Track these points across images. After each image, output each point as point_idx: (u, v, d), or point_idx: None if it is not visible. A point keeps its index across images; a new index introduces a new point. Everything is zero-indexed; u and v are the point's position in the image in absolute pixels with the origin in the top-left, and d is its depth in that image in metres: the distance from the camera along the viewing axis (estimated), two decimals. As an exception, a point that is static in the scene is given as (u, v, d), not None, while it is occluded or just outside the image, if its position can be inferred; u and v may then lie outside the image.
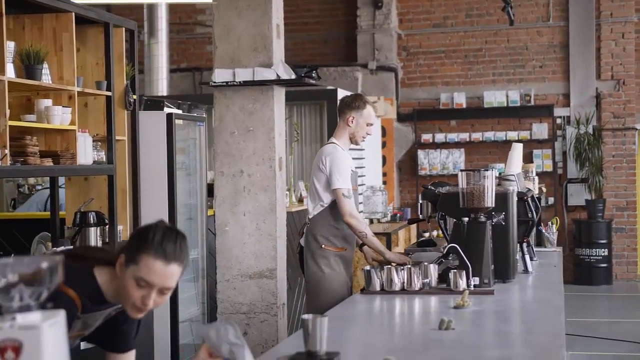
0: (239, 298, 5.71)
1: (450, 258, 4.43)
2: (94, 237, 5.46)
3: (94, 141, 5.54)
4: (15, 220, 6.73)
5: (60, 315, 1.82)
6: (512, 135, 12.50)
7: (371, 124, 5.34)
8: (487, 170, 4.42)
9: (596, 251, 12.17)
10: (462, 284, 4.17)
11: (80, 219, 5.46)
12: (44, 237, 5.81)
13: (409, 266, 4.29)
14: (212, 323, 2.59)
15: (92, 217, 5.44)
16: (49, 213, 5.86)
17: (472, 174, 4.41)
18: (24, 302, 1.78)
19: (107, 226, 5.62)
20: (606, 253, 12.19)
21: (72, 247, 5.07)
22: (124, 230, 5.90)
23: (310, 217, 5.33)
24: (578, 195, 12.51)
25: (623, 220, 12.54)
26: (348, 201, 5.08)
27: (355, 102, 5.32)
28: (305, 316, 2.73)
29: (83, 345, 4.87)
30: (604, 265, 12.21)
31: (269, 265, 6.03)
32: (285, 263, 6.30)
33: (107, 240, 5.67)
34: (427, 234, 12.02)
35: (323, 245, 5.20)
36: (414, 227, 11.28)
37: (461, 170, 4.46)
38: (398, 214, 11.35)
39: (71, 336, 2.68)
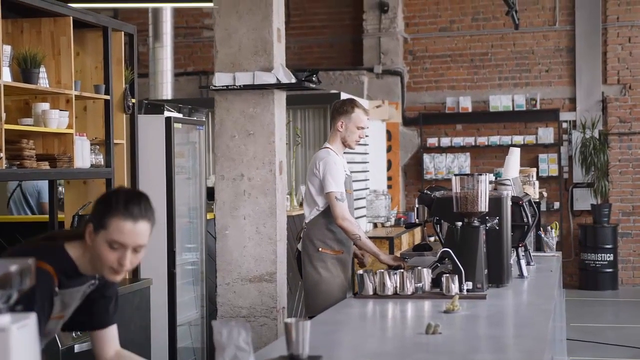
0: (238, 301, 5.72)
1: (444, 262, 4.43)
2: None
3: (92, 145, 5.56)
4: (16, 224, 6.77)
5: (31, 318, 1.83)
6: (518, 139, 12.48)
7: (362, 127, 5.37)
8: (481, 175, 4.42)
9: (602, 256, 12.13)
10: (455, 288, 4.17)
11: (78, 222, 5.48)
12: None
13: (402, 270, 4.30)
14: (229, 321, 2.62)
15: (90, 220, 5.45)
16: (47, 217, 5.88)
17: (465, 179, 4.41)
18: (-7, 304, 1.80)
19: (105, 229, 5.63)
20: (612, 258, 12.15)
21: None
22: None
23: (306, 221, 5.40)
24: (584, 200, 12.48)
25: (629, 225, 12.50)
26: (341, 204, 5.13)
27: (344, 106, 5.40)
28: (288, 320, 2.75)
29: (79, 347, 4.91)
30: (610, 270, 12.17)
31: (269, 268, 6.05)
32: (286, 267, 6.30)
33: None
34: (432, 239, 12.03)
35: (320, 249, 5.26)
36: (418, 231, 11.28)
37: (455, 175, 4.47)
38: (403, 218, 11.35)
39: (53, 317, 2.73)
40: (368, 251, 5.22)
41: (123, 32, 5.97)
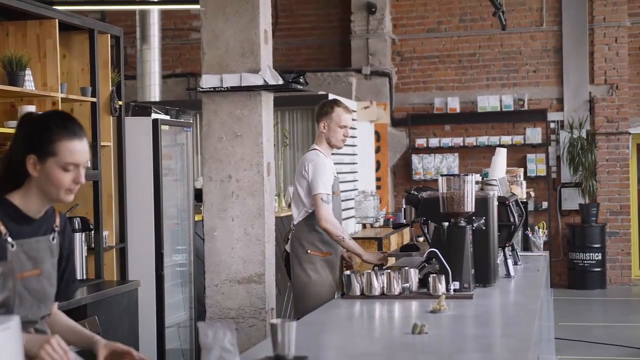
0: (227, 303, 5.72)
1: (431, 263, 4.43)
2: (79, 242, 5.47)
3: (79, 147, 5.54)
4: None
5: (14, 321, 1.83)
6: (506, 139, 12.51)
7: (344, 126, 5.41)
8: (467, 175, 4.43)
9: (590, 255, 12.17)
10: (442, 288, 4.18)
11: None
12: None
13: (389, 271, 4.30)
14: (214, 322, 2.63)
15: (77, 223, 5.45)
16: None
17: (452, 179, 4.42)
18: (-24, 307, 1.80)
19: (92, 232, 5.63)
20: (600, 257, 12.19)
21: None
22: (109, 236, 5.91)
23: (295, 223, 5.43)
24: (572, 200, 12.52)
25: (617, 224, 12.55)
26: (325, 206, 5.16)
27: (324, 108, 5.48)
28: (274, 321, 2.76)
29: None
30: (598, 269, 12.22)
31: (257, 270, 6.04)
32: (274, 268, 6.30)
33: (92, 246, 5.68)
34: (421, 239, 12.05)
35: (309, 251, 5.28)
36: (406, 231, 11.29)
37: (441, 175, 4.48)
38: (392, 219, 11.36)
39: (26, 273, 2.69)
40: (352, 252, 5.26)
41: (109, 35, 5.96)
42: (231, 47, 6.14)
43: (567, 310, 10.44)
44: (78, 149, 2.70)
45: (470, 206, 4.39)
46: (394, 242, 9.83)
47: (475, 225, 4.46)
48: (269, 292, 5.81)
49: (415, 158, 12.86)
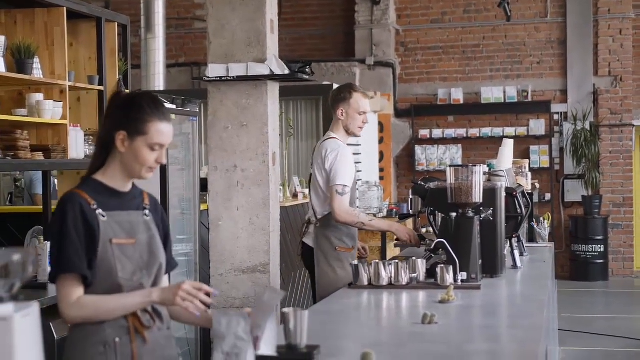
0: (232, 293, 5.72)
1: (439, 253, 4.44)
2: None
3: (86, 135, 5.55)
4: (10, 214, 6.74)
5: (33, 308, 1.84)
6: (510, 131, 12.51)
7: (363, 112, 5.20)
8: (476, 166, 4.43)
9: (592, 247, 12.18)
10: (449, 278, 4.19)
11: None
12: (37, 231, 5.82)
13: (397, 261, 4.30)
14: (228, 311, 2.64)
15: (84, 212, 5.44)
16: (41, 207, 5.87)
17: (460, 170, 4.42)
18: (-5, 293, 1.80)
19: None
20: (602, 249, 12.21)
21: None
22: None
23: (319, 216, 5.23)
24: (575, 192, 12.52)
25: (620, 216, 12.55)
26: (340, 199, 5.00)
27: (341, 93, 5.25)
28: (286, 310, 2.76)
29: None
30: (600, 261, 12.23)
31: (262, 260, 6.04)
32: (279, 258, 6.31)
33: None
34: (424, 230, 12.05)
35: (337, 248, 5.13)
36: (410, 222, 11.30)
37: (449, 166, 4.47)
38: (395, 210, 11.36)
39: (118, 241, 2.80)
40: (382, 231, 5.02)
41: (117, 23, 5.95)
42: (237, 37, 6.13)
43: (569, 302, 10.46)
44: (166, 131, 2.84)
45: (478, 197, 4.39)
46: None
47: (483, 216, 4.46)
48: (273, 282, 5.80)
49: (418, 149, 12.86)
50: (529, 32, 12.79)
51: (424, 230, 11.00)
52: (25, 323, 1.80)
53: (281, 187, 8.56)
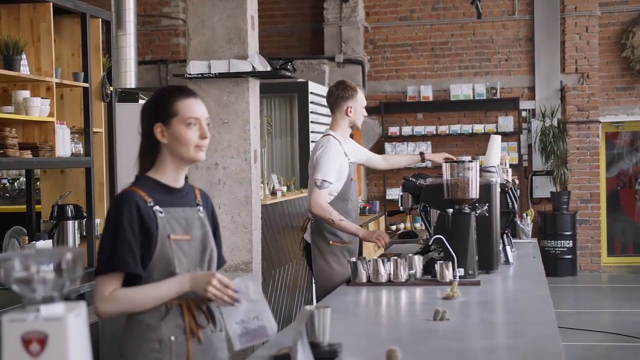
0: (215, 291, 5.67)
1: (433, 249, 4.44)
2: (72, 230, 5.39)
3: (71, 133, 5.47)
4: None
5: (82, 307, 1.80)
6: (479, 128, 12.59)
7: (364, 106, 5.40)
8: (472, 161, 4.44)
9: (561, 243, 12.31)
10: (449, 275, 4.19)
11: (57, 212, 5.38)
12: (16, 231, 5.73)
13: (396, 258, 4.29)
14: (233, 277, 2.65)
15: (70, 210, 5.37)
16: (24, 207, 5.77)
17: (456, 166, 4.42)
18: (47, 293, 1.76)
19: (84, 219, 5.55)
20: (571, 244, 12.34)
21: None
22: (101, 224, 5.83)
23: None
24: (543, 188, 12.64)
25: (587, 212, 12.70)
26: (317, 192, 5.03)
27: (347, 91, 5.29)
28: (309, 307, 2.73)
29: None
30: (569, 256, 12.36)
31: (245, 258, 6.02)
32: (260, 256, 6.28)
33: (84, 233, 5.60)
34: (402, 226, 12.09)
35: (331, 242, 5.16)
36: (382, 219, 11.33)
37: (445, 162, 4.48)
38: (367, 207, 11.39)
39: (175, 237, 2.81)
40: (348, 233, 5.10)
41: (100, 19, 5.86)
42: (218, 33, 6.09)
43: (541, 297, 10.53)
44: (193, 104, 2.86)
45: (474, 193, 4.40)
46: (372, 229, 9.84)
47: (478, 211, 4.47)
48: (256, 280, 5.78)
49: (388, 146, 12.89)
50: (497, 30, 12.88)
51: (401, 226, 11.03)
52: (77, 322, 1.77)
53: (261, 185, 8.53)
